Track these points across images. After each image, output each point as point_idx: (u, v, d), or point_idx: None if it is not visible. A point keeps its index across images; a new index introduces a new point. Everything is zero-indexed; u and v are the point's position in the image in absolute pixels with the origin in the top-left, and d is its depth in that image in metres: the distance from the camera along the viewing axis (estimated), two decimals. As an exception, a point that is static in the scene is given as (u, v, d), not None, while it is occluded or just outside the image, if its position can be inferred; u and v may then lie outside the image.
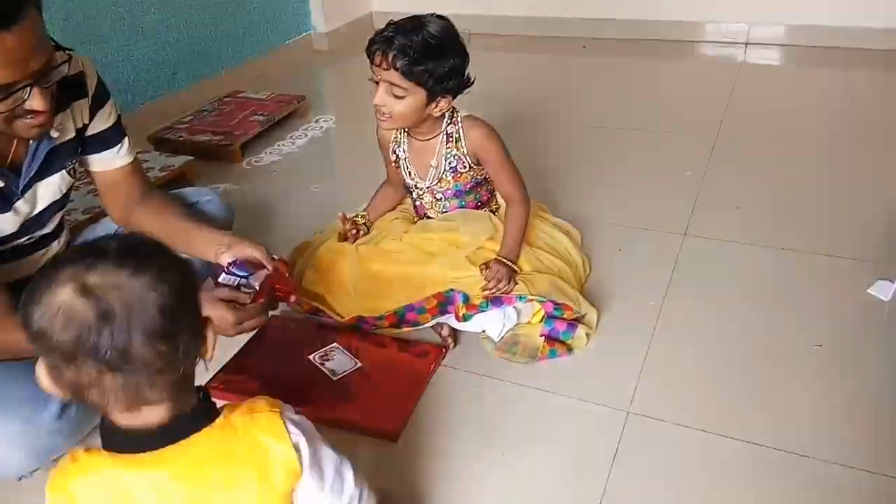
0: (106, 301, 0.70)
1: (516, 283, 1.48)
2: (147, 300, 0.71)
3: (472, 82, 1.48)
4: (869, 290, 1.61)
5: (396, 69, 1.39)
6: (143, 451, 0.77)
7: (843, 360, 1.45)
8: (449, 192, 1.62)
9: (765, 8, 3.25)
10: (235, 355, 1.52)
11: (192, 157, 2.34)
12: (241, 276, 1.31)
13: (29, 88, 1.05)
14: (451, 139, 1.56)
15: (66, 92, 1.24)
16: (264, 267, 1.34)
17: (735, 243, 1.84)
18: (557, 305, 1.49)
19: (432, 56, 1.38)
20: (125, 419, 0.76)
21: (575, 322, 1.50)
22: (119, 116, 1.39)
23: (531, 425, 1.35)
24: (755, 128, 2.49)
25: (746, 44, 3.31)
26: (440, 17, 1.44)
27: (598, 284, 1.70)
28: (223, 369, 1.48)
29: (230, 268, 1.32)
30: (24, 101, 1.06)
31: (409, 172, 1.63)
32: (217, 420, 0.81)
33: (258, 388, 1.43)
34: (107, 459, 0.78)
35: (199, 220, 1.47)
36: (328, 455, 0.88)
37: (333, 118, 2.83)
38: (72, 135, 1.29)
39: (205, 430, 0.79)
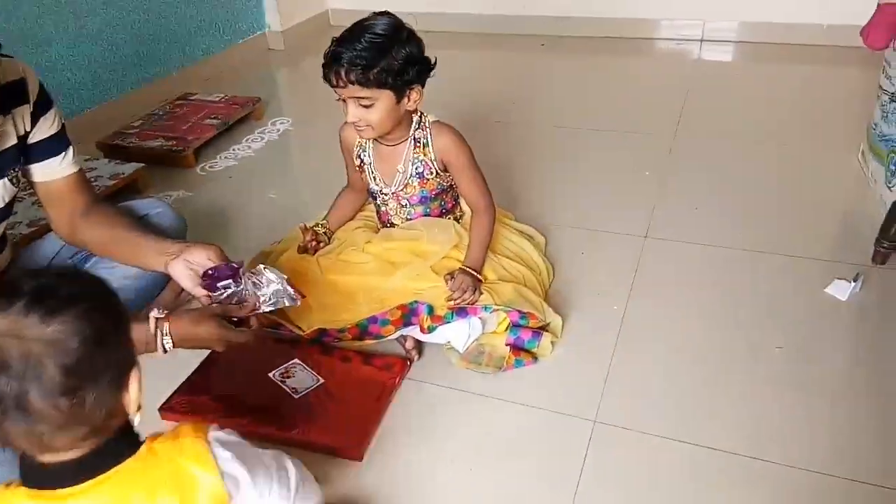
0: (4, 350, 0.67)
1: (481, 294, 1.46)
2: (47, 355, 0.67)
3: (435, 64, 1.45)
4: (826, 290, 1.64)
5: (353, 83, 1.36)
6: (63, 486, 0.74)
7: (803, 362, 1.46)
8: (414, 198, 1.60)
9: (719, 4, 3.28)
10: (190, 374, 1.47)
11: (142, 165, 2.26)
12: (224, 289, 1.25)
13: None
14: (418, 144, 1.54)
15: (6, 98, 1.18)
16: (239, 267, 1.27)
17: (695, 244, 1.85)
18: (523, 314, 1.48)
19: (382, 55, 1.36)
20: (42, 456, 0.73)
21: (540, 330, 1.49)
22: (63, 125, 1.33)
23: (498, 437, 1.33)
24: (711, 126, 2.52)
25: (701, 40, 3.34)
26: (380, 13, 1.41)
27: (561, 290, 1.69)
28: (178, 390, 1.43)
29: (208, 281, 1.26)
30: None
31: (375, 177, 1.60)
32: (140, 450, 0.78)
33: (216, 408, 1.39)
34: (24, 496, 0.74)
35: (145, 231, 1.41)
36: (264, 465, 0.87)
37: (290, 120, 2.77)
38: (13, 141, 1.23)
39: (127, 461, 0.76)
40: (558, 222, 1.95)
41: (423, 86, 1.45)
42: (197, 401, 1.41)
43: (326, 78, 1.41)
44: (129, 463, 0.76)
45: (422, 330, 1.45)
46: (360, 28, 1.38)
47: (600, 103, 2.80)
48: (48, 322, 0.68)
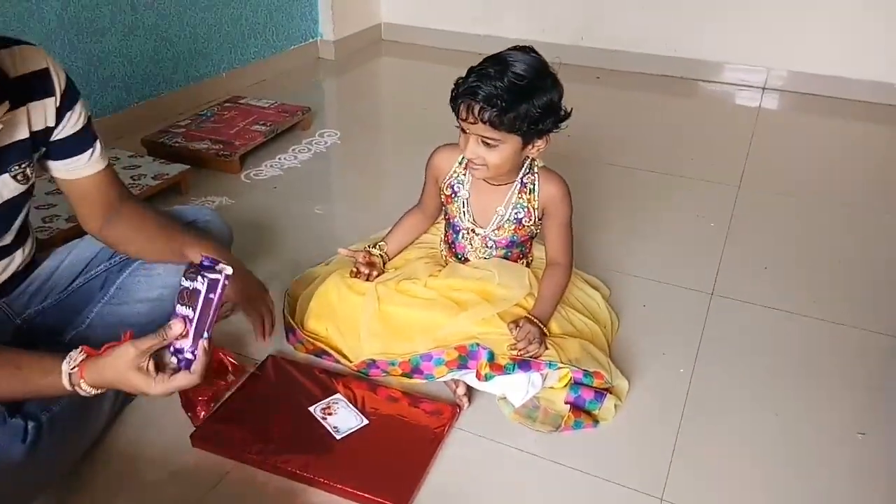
0: None
1: (546, 348, 1.35)
2: None
3: (570, 114, 1.35)
4: (911, 374, 1.52)
5: (485, 122, 1.27)
6: None
7: (884, 454, 1.34)
8: (503, 241, 1.51)
9: (784, 54, 3.18)
10: (225, 401, 1.38)
11: (188, 167, 2.19)
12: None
13: None
14: (524, 189, 1.45)
15: (22, 88, 1.09)
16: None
17: (766, 308, 1.73)
18: (588, 373, 1.37)
19: (522, 99, 1.26)
20: None
21: (604, 391, 1.38)
22: (89, 118, 1.23)
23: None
24: (777, 180, 2.40)
25: (764, 88, 3.23)
26: (523, 48, 1.31)
27: (624, 345, 1.58)
28: (211, 417, 1.33)
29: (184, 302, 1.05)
30: None
31: (466, 213, 1.50)
32: None
33: (250, 441, 1.29)
34: None
35: (182, 225, 1.35)
36: None
37: (338, 133, 2.68)
38: (23, 135, 1.13)
39: None
40: (619, 269, 1.84)
41: (550, 136, 1.36)
42: (229, 431, 1.31)
43: (454, 108, 1.32)
44: None
45: (478, 376, 1.35)
46: (503, 64, 1.28)
47: (657, 144, 2.69)
48: None
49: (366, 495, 1.19)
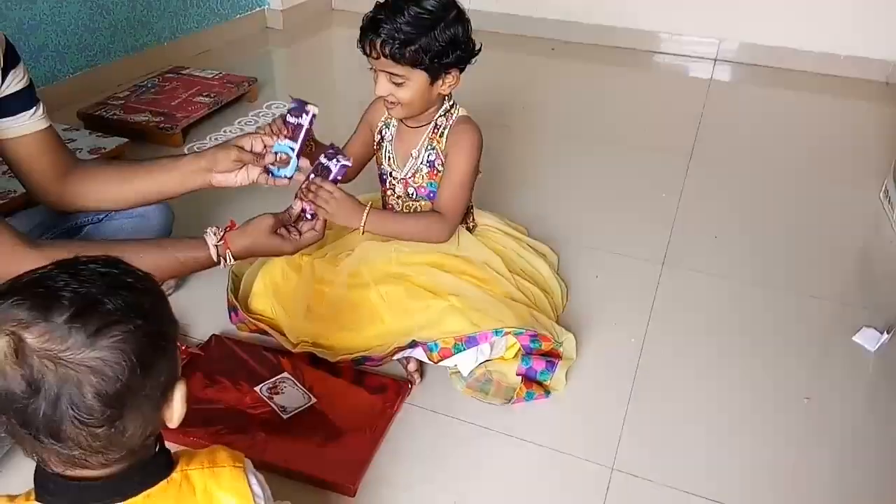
0: (39, 372, 0.59)
1: (323, 216, 1.30)
2: (87, 383, 0.60)
3: (479, 49, 1.34)
4: (854, 339, 1.54)
5: (387, 56, 1.25)
6: None
7: (830, 417, 1.36)
8: (423, 189, 1.46)
9: (736, 24, 3.19)
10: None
11: (126, 140, 2.10)
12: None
13: None
14: (436, 131, 1.42)
15: None
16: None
17: (716, 277, 1.74)
18: (534, 337, 1.35)
19: (424, 32, 1.24)
20: (65, 469, 0.66)
21: (553, 360, 1.36)
22: (31, 81, 1.24)
23: (505, 478, 1.21)
24: (729, 151, 2.42)
25: (715, 60, 3.25)
26: None
27: (576, 315, 1.57)
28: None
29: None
30: None
31: (390, 157, 1.47)
32: (173, 474, 0.71)
33: (197, 420, 1.24)
34: None
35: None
36: None
37: (286, 105, 2.61)
38: None
39: (160, 485, 0.69)
40: (571, 240, 1.83)
41: (461, 71, 1.33)
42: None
43: (360, 44, 1.29)
44: (161, 488, 0.69)
45: (430, 359, 1.32)
46: None
47: (611, 115, 2.68)
48: (91, 346, 0.60)
49: (316, 475, 1.16)
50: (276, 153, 1.32)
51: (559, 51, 3.32)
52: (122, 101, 2.36)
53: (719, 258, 1.81)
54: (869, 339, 1.53)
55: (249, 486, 0.73)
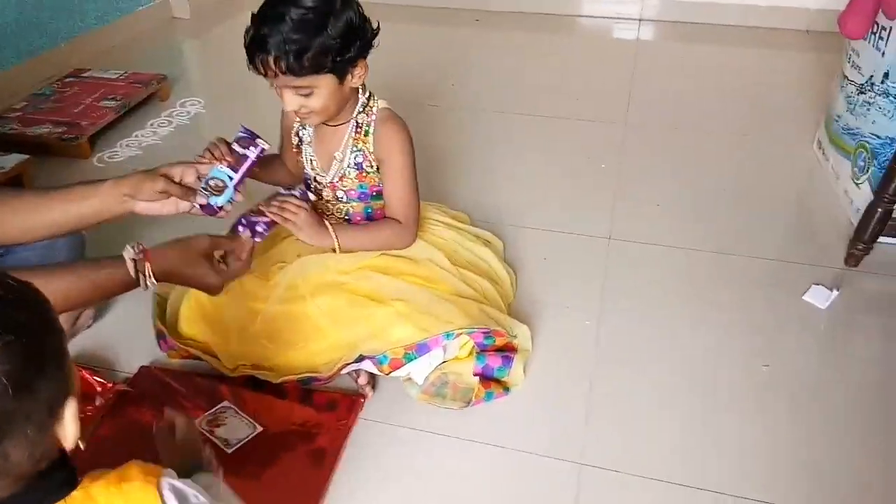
0: None
1: (301, 230, 1.27)
2: None
3: (378, 30, 1.22)
4: (805, 298, 1.54)
5: (285, 72, 1.13)
6: None
7: (790, 382, 1.35)
8: (353, 192, 1.37)
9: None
10: (94, 430, 1.20)
11: (27, 157, 1.92)
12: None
13: None
14: (359, 130, 1.31)
15: None
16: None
17: (662, 246, 1.71)
18: (488, 334, 1.29)
19: (316, 33, 1.13)
20: None
21: (509, 354, 1.31)
22: None
23: (471, 487, 1.15)
24: (662, 114, 2.38)
25: (640, 20, 3.21)
26: None
27: (527, 302, 1.52)
28: (81, 456, 1.16)
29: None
30: None
31: (311, 162, 1.37)
32: (74, 493, 0.64)
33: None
34: None
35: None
36: None
37: (201, 101, 2.45)
38: None
39: None
40: (513, 222, 1.77)
41: (366, 57, 1.22)
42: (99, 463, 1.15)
43: (251, 65, 1.17)
44: None
45: (381, 371, 1.25)
46: (283, 2, 1.13)
47: (542, 86, 2.61)
48: None
49: (267, 512, 1.08)
50: (211, 178, 1.20)
51: (483, 21, 3.23)
52: (19, 113, 2.17)
53: (664, 227, 1.78)
54: (819, 297, 1.53)
55: (163, 500, 0.67)
